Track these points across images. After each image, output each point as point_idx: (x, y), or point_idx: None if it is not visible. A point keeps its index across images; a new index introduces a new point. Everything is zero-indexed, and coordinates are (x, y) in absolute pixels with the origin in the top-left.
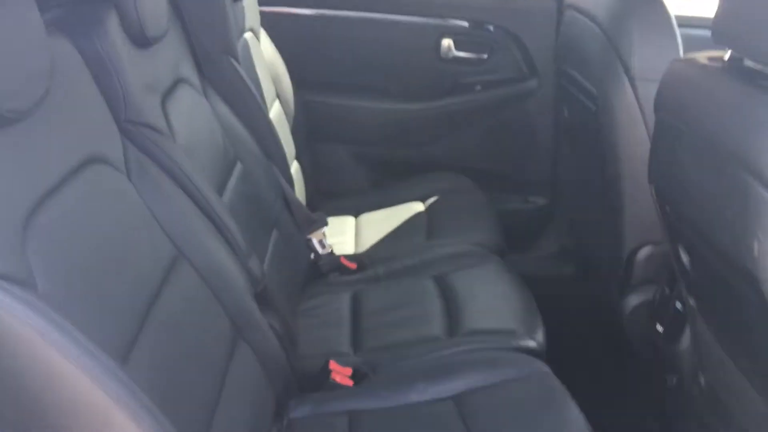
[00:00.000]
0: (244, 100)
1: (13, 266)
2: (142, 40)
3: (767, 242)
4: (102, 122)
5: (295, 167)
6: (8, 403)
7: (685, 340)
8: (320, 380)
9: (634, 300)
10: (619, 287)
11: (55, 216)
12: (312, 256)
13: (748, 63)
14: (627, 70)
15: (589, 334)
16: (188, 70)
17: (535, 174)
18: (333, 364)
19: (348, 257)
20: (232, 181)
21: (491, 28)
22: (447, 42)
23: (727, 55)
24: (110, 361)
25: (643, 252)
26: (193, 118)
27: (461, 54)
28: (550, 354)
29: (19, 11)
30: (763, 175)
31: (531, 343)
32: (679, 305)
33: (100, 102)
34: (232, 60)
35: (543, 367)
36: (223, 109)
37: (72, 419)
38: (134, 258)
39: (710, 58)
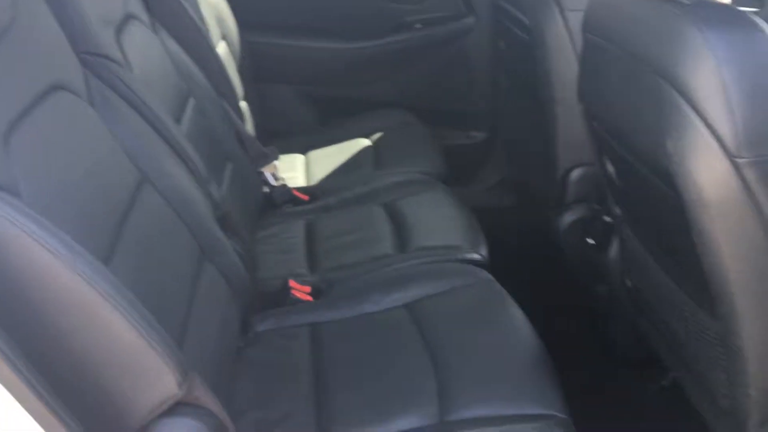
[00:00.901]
0: (192, 38)
1: (1, 177)
2: None
3: (679, 140)
4: (63, 53)
5: (243, 107)
6: (2, 301)
7: (613, 250)
8: (281, 298)
9: (568, 218)
10: (554, 207)
11: (29, 135)
12: (265, 188)
13: None
14: (557, 2)
15: (528, 253)
16: (137, 7)
17: (475, 109)
18: (292, 283)
19: (300, 189)
20: (187, 114)
21: None
22: None
23: None
24: (96, 261)
25: (576, 173)
26: (147, 52)
27: None
28: (493, 272)
29: None
30: (675, 80)
31: (475, 256)
32: (607, 219)
33: (60, 34)
34: None
35: (487, 276)
36: (173, 45)
37: (62, 313)
38: (103, 180)
39: None
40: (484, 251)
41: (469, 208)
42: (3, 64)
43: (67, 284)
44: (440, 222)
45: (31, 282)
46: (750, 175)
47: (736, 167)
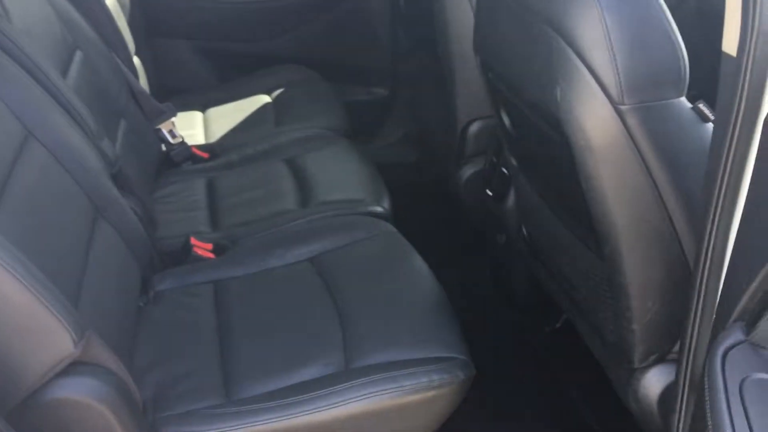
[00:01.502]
0: None
1: None
2: None
3: (567, 88)
4: None
5: (136, 62)
6: None
7: (510, 200)
8: (182, 256)
9: (467, 171)
10: (455, 161)
11: None
12: (163, 146)
13: None
14: None
15: (430, 206)
16: None
17: (376, 65)
18: (194, 240)
19: (200, 147)
20: (74, 68)
21: None
22: None
23: None
24: None
25: (474, 126)
26: (28, 3)
27: None
28: (396, 224)
29: None
30: (563, 29)
31: (378, 209)
32: (505, 171)
33: None
34: None
35: (390, 228)
36: None
37: None
38: None
39: None
40: (386, 204)
41: (372, 163)
42: None
43: None
44: (343, 176)
45: None
46: (632, 121)
47: (619, 113)
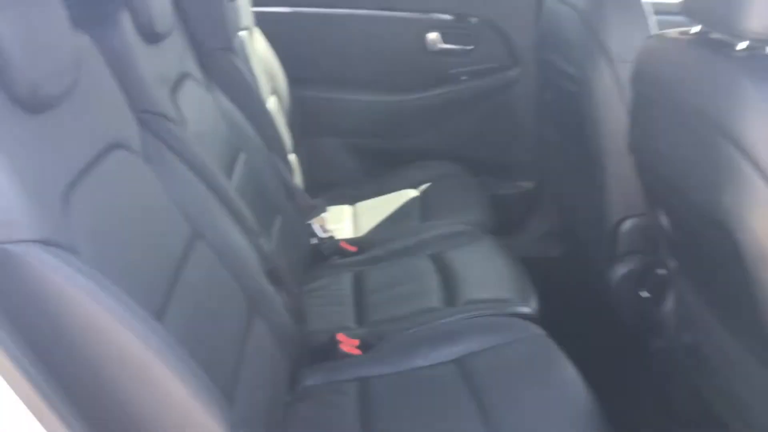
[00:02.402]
0: (244, 94)
1: (58, 233)
2: (151, 36)
3: (736, 194)
4: (121, 112)
5: (292, 159)
6: (63, 358)
7: (669, 304)
8: (329, 351)
9: (619, 270)
10: (606, 260)
11: (87, 194)
12: (314, 240)
13: (714, 35)
14: (605, 53)
15: (579, 306)
16: (191, 66)
17: (522, 159)
18: (340, 336)
19: (348, 241)
20: (238, 169)
21: (474, 20)
22: (434, 35)
23: (695, 29)
24: (150, 319)
25: (627, 224)
26: (200, 110)
27: (447, 46)
28: (543, 320)
29: (49, 8)
30: (731, 134)
31: (525, 309)
32: (661, 271)
33: (118, 94)
34: (232, 56)
35: (538, 330)
36: (225, 102)
37: (119, 372)
38: (157, 236)
39: (681, 33)
40: (534, 304)
41: (518, 261)
42: (65, 125)
43: (122, 341)
44: (489, 274)
45: (87, 338)
46: None
47: None
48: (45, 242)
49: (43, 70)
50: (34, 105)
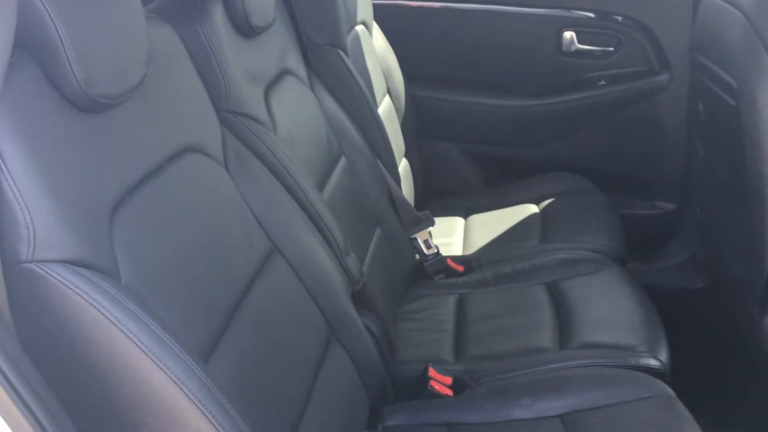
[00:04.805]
0: (351, 94)
1: (97, 255)
2: (247, 30)
3: None
4: (201, 111)
5: (404, 164)
6: (80, 392)
7: None
8: (418, 388)
9: None
10: (759, 305)
11: (146, 205)
12: (417, 256)
13: None
14: None
15: (721, 355)
16: (295, 62)
17: (664, 176)
18: (432, 372)
19: (455, 259)
20: (335, 176)
21: (619, 18)
22: (569, 34)
23: None
24: (190, 359)
25: None
26: (298, 110)
27: (585, 47)
28: (674, 376)
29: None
30: None
31: (653, 362)
32: None
33: (201, 90)
34: (341, 53)
35: (666, 390)
36: (330, 102)
37: (145, 416)
38: (227, 250)
39: None
40: (664, 356)
41: (648, 294)
42: (129, 126)
43: (152, 381)
44: (612, 314)
45: (111, 374)
46: None
47: None
48: (75, 263)
49: (99, 66)
50: (88, 105)
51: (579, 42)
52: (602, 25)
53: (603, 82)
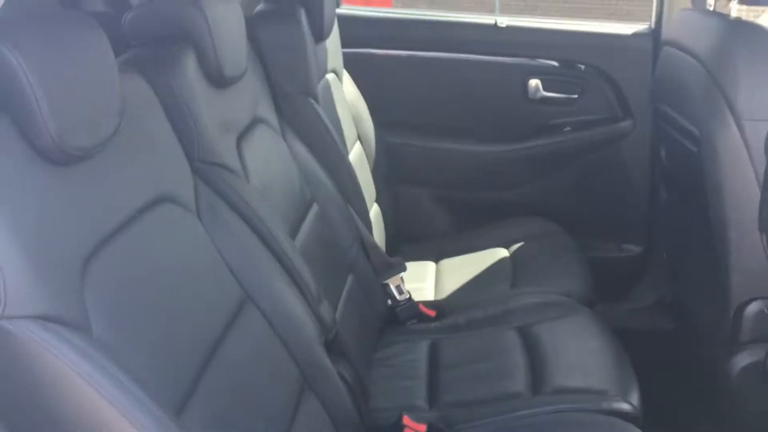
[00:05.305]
0: (322, 142)
1: (67, 309)
2: (219, 80)
3: None
4: (174, 161)
5: (374, 210)
6: None
7: None
8: None
9: (742, 360)
10: (726, 346)
11: (118, 257)
12: (389, 302)
13: None
14: (732, 109)
15: (691, 397)
16: (266, 111)
17: (630, 220)
18: (407, 420)
19: (427, 304)
20: (307, 223)
21: (582, 67)
22: (534, 82)
23: None
24: (162, 414)
25: (753, 307)
26: (270, 158)
27: (550, 94)
28: (645, 419)
29: (91, 51)
30: None
31: (625, 406)
32: None
33: (173, 140)
34: (312, 101)
35: None
36: (301, 149)
37: None
38: (200, 301)
39: None
40: (635, 399)
41: (619, 345)
42: (101, 177)
43: None
44: (583, 357)
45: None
46: None
47: None
48: (46, 318)
49: (73, 120)
50: (61, 158)
51: (544, 89)
52: (566, 73)
53: (568, 128)
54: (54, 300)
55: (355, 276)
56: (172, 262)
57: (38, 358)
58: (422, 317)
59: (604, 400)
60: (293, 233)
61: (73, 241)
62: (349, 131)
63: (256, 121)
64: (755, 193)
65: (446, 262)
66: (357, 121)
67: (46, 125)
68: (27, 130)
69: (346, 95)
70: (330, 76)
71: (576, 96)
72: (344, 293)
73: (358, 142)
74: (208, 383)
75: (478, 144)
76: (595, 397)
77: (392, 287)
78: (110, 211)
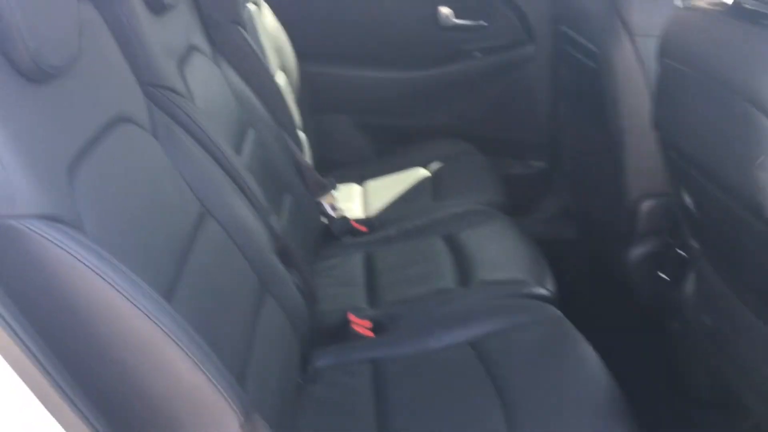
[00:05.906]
0: (253, 68)
1: (63, 209)
2: (157, 6)
3: None
4: (127, 85)
5: (301, 137)
6: (67, 337)
7: (689, 286)
8: (341, 332)
9: (637, 251)
10: (623, 240)
11: (93, 168)
12: (324, 219)
13: (748, 4)
14: (626, 27)
15: (595, 287)
16: (199, 39)
17: (536, 138)
18: (352, 317)
19: (359, 221)
20: (246, 146)
21: None
22: (446, 10)
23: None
24: (160, 298)
25: (646, 204)
26: (208, 84)
27: (460, 21)
28: (560, 307)
29: None
30: (766, 107)
31: (542, 291)
32: (682, 252)
33: (124, 65)
34: (240, 29)
35: (556, 313)
36: (234, 77)
37: (128, 352)
38: (166, 213)
39: (711, 4)
40: (550, 285)
41: (533, 241)
42: (70, 96)
43: (131, 320)
44: (503, 255)
45: (94, 317)
46: None
47: None
48: (49, 218)
49: (45, 39)
50: (37, 75)
51: (455, 17)
52: (474, 1)
53: (478, 54)
54: (54, 201)
55: (293, 195)
56: (139, 176)
57: (46, 253)
58: (355, 232)
59: (523, 287)
60: (236, 155)
61: (57, 151)
62: (272, 61)
63: (191, 49)
64: (646, 100)
65: (371, 183)
66: (278, 51)
67: (24, 43)
68: (7, 48)
69: (267, 25)
70: (251, 6)
71: (484, 23)
72: (284, 211)
73: (281, 72)
74: (185, 284)
75: (394, 71)
76: (515, 285)
77: (326, 205)
78: (81, 126)
